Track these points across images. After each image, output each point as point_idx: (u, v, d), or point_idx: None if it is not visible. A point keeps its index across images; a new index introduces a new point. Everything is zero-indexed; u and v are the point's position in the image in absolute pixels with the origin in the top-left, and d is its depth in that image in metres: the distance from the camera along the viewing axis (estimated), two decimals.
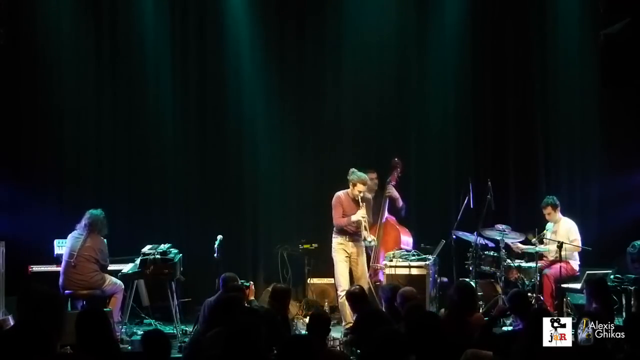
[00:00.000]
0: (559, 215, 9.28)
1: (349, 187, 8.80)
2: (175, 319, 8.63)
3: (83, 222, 8.46)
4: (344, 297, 8.47)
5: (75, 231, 8.47)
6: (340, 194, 8.85)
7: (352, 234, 8.78)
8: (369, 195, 9.04)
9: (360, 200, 8.72)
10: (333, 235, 8.87)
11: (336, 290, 8.89)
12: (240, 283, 7.29)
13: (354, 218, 8.69)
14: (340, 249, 8.82)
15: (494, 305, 8.25)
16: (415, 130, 10.58)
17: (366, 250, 9.27)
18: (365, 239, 8.71)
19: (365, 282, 8.69)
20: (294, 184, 10.44)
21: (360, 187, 8.70)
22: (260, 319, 5.55)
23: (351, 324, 8.43)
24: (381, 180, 9.58)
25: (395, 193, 9.46)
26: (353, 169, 8.80)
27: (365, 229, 8.69)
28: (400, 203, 9.52)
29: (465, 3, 10.49)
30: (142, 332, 8.51)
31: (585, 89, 10.48)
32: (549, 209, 9.27)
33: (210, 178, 10.44)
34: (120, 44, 10.28)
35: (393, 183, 9.50)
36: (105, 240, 8.63)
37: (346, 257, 8.81)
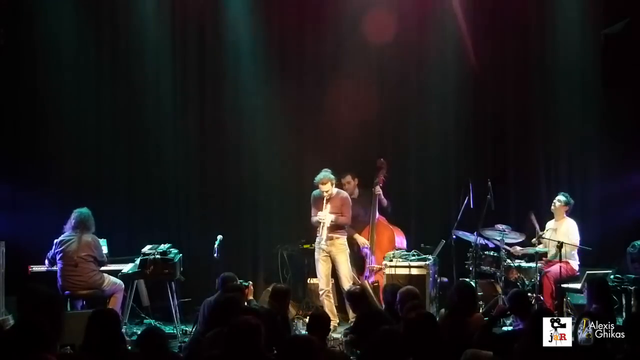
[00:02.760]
0: (563, 214, 9.27)
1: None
2: (175, 319, 8.64)
3: (72, 222, 8.45)
4: (324, 296, 8.85)
5: (64, 234, 8.46)
6: (314, 192, 9.07)
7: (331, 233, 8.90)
8: (344, 194, 9.12)
9: (326, 201, 8.85)
10: None
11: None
12: (239, 283, 7.29)
13: (314, 219, 8.96)
14: (318, 248, 8.96)
15: (494, 305, 8.24)
16: (415, 130, 10.57)
17: (361, 251, 9.33)
18: (320, 237, 8.87)
19: (347, 281, 8.75)
20: (294, 184, 10.43)
21: (321, 187, 8.90)
22: (260, 319, 5.54)
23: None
24: (371, 181, 9.58)
25: (381, 195, 9.47)
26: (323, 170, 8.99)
27: (323, 229, 8.84)
28: (385, 202, 9.55)
29: (465, 1, 10.48)
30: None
31: (585, 88, 10.47)
32: (561, 199, 9.25)
33: (210, 178, 10.44)
34: (120, 44, 10.26)
35: (380, 184, 9.50)
36: (100, 239, 8.64)
37: (325, 256, 8.95)
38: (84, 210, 8.51)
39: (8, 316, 8.11)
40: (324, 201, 8.88)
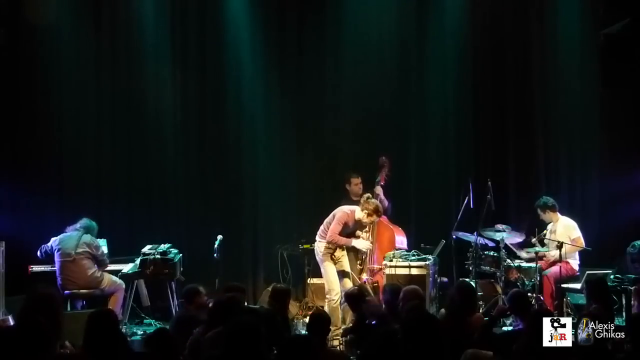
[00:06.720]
0: (557, 215, 9.26)
1: (352, 202, 8.87)
2: None
3: (76, 225, 8.54)
4: (337, 302, 8.42)
5: (64, 233, 8.49)
6: (348, 212, 8.61)
7: None
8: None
9: (366, 227, 8.73)
10: (318, 239, 8.67)
11: (326, 294, 8.65)
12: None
13: (358, 246, 8.67)
14: (328, 253, 8.62)
15: (494, 305, 8.24)
16: (415, 130, 10.58)
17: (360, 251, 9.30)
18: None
19: (349, 282, 8.69)
20: (294, 184, 10.43)
21: (374, 217, 8.52)
22: (260, 319, 5.55)
23: (337, 328, 8.33)
24: (371, 179, 9.54)
25: (381, 195, 9.35)
26: (369, 195, 8.73)
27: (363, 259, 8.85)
28: (386, 203, 9.38)
29: (465, 2, 10.49)
30: (141, 332, 8.57)
31: (585, 89, 10.48)
32: (538, 210, 9.26)
33: (210, 178, 10.44)
34: (120, 44, 10.26)
35: (382, 183, 9.47)
36: (100, 239, 8.68)
37: (333, 261, 8.76)
38: (93, 223, 8.62)
39: (8, 316, 8.11)
40: (365, 227, 8.73)
